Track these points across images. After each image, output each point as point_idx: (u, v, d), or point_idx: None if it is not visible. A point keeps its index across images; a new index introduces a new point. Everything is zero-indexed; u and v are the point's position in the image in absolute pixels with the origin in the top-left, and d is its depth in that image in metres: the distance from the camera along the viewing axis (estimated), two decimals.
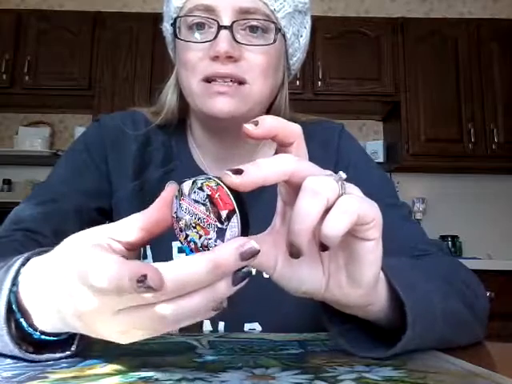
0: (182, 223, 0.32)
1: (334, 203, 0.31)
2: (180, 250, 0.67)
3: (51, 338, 0.37)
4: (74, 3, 3.18)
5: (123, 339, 0.31)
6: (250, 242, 0.29)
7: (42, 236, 0.60)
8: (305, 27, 0.70)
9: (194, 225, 0.31)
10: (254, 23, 0.61)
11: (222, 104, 0.60)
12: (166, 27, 0.69)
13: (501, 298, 2.25)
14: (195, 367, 0.35)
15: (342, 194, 0.32)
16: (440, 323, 0.42)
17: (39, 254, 0.38)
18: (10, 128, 3.09)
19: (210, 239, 0.31)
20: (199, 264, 0.28)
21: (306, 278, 0.36)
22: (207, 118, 0.63)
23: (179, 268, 0.29)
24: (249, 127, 0.34)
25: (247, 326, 0.65)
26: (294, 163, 0.33)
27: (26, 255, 0.38)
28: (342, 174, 0.33)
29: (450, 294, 0.45)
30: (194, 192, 0.31)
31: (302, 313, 0.62)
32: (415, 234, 0.65)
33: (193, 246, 0.32)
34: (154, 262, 0.67)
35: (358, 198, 0.33)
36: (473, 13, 3.22)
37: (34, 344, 0.37)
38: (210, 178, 0.31)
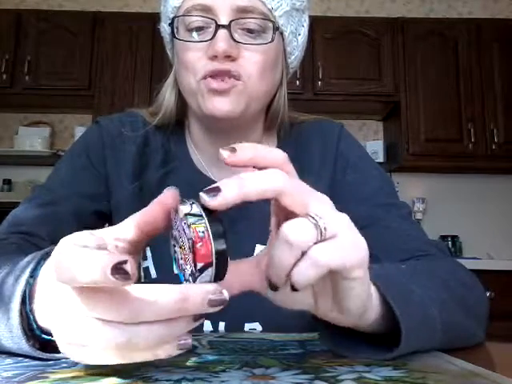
0: (175, 234, 0.33)
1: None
2: None
3: (49, 338, 0.37)
4: (73, 3, 3.18)
5: (76, 355, 0.30)
6: (221, 292, 0.29)
7: (40, 239, 0.60)
8: (303, 25, 0.70)
9: (180, 245, 0.32)
10: (252, 26, 0.61)
11: (220, 104, 0.60)
12: (164, 27, 0.69)
13: (501, 297, 2.25)
14: (195, 367, 0.35)
15: (320, 240, 0.31)
16: (439, 334, 0.41)
17: None
18: (10, 128, 3.09)
19: (185, 269, 0.31)
20: (167, 295, 0.28)
21: (297, 300, 0.36)
22: (206, 117, 0.64)
23: (146, 292, 0.28)
24: (224, 154, 0.31)
25: (247, 326, 0.65)
26: (282, 182, 0.31)
27: (46, 250, 0.38)
28: (320, 222, 0.30)
29: (449, 303, 0.44)
30: (184, 223, 0.31)
31: (303, 313, 0.62)
32: (415, 234, 0.65)
33: (178, 261, 0.33)
34: (154, 263, 0.67)
35: (335, 245, 0.31)
36: (473, 13, 3.22)
37: (39, 342, 0.38)
38: (202, 217, 0.30)
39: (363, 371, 0.34)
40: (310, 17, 0.72)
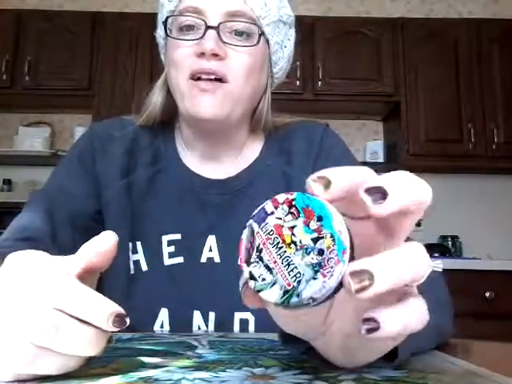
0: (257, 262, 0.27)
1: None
2: (170, 243, 0.69)
3: None
4: (73, 3, 3.18)
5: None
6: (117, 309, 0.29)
7: (44, 244, 0.60)
8: (289, 39, 0.74)
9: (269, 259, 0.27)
10: (240, 27, 0.65)
11: (205, 106, 0.63)
12: (159, 33, 0.73)
13: (501, 297, 2.25)
14: (195, 367, 0.35)
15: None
16: (434, 337, 0.42)
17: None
18: (10, 128, 3.09)
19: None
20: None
21: (304, 320, 0.31)
22: (192, 119, 0.66)
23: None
24: (371, 204, 0.24)
25: (238, 316, 0.65)
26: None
27: None
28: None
29: (433, 301, 0.44)
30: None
31: None
32: None
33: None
34: (144, 256, 0.69)
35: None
36: (473, 13, 3.21)
37: None
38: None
39: (363, 371, 0.34)
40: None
